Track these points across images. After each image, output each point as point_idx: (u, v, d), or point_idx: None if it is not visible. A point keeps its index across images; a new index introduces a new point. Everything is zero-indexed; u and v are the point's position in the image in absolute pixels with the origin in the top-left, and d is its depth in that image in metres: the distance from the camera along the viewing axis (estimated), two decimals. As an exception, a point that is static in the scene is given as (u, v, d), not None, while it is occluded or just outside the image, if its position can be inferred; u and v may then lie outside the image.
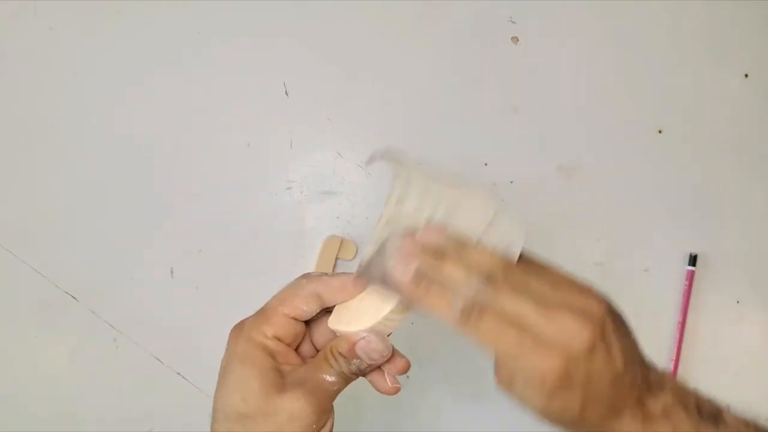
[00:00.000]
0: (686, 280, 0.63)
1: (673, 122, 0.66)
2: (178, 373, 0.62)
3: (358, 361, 0.37)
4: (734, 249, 0.65)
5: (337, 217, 0.64)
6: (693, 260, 0.63)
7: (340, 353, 0.38)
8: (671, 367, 0.63)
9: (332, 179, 0.64)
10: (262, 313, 0.40)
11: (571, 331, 0.32)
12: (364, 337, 0.37)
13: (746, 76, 0.66)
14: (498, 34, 0.66)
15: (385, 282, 0.36)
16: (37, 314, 0.62)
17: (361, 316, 0.38)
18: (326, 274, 0.40)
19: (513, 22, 0.66)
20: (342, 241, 0.63)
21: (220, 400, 0.40)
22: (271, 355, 0.38)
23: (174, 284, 0.63)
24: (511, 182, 0.65)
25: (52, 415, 0.62)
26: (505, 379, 0.34)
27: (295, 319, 0.39)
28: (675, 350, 0.63)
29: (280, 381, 0.37)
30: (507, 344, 0.33)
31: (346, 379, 0.38)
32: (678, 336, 0.63)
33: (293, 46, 0.65)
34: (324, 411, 0.37)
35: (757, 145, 0.66)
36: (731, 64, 0.67)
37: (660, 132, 0.66)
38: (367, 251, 0.38)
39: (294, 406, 0.37)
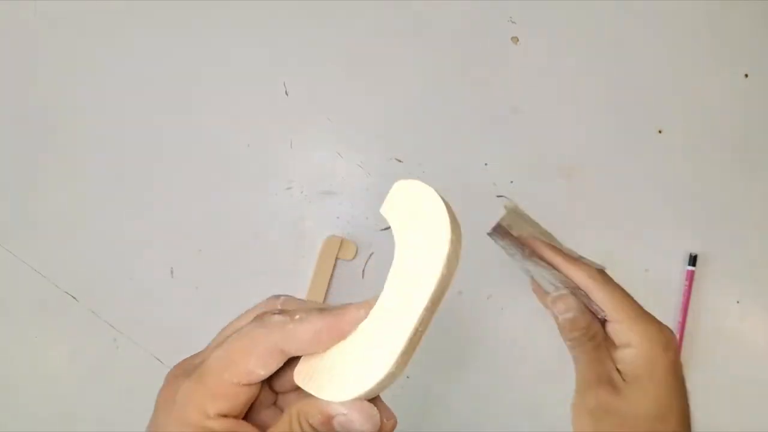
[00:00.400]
0: (686, 280, 0.63)
1: (673, 122, 0.66)
2: (178, 373, 0.62)
3: None
4: (734, 249, 0.65)
5: (337, 217, 0.64)
6: (693, 260, 0.64)
7: (311, 425, 0.28)
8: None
9: (332, 179, 0.64)
10: (201, 381, 0.29)
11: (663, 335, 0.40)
12: (345, 414, 0.28)
13: (746, 76, 0.66)
14: (498, 34, 0.66)
15: (519, 243, 0.42)
16: (37, 314, 0.62)
17: (341, 379, 0.28)
18: (295, 311, 0.30)
19: (513, 22, 0.66)
20: (342, 241, 0.63)
21: None
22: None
23: (174, 284, 0.63)
24: (511, 182, 0.65)
25: (51, 414, 0.62)
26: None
27: (247, 385, 0.29)
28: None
29: None
30: (636, 306, 0.41)
31: None
32: (678, 336, 0.63)
33: (293, 45, 0.65)
34: None
35: (758, 145, 0.66)
36: (731, 64, 0.67)
37: (660, 132, 0.66)
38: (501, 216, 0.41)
39: None
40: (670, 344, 0.39)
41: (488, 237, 0.42)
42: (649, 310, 0.42)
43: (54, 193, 0.63)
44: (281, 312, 0.30)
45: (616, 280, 0.42)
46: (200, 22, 0.65)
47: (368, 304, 0.29)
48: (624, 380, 0.39)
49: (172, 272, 0.63)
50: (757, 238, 0.65)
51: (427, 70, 0.66)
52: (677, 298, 0.64)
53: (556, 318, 0.42)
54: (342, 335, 0.29)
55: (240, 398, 0.29)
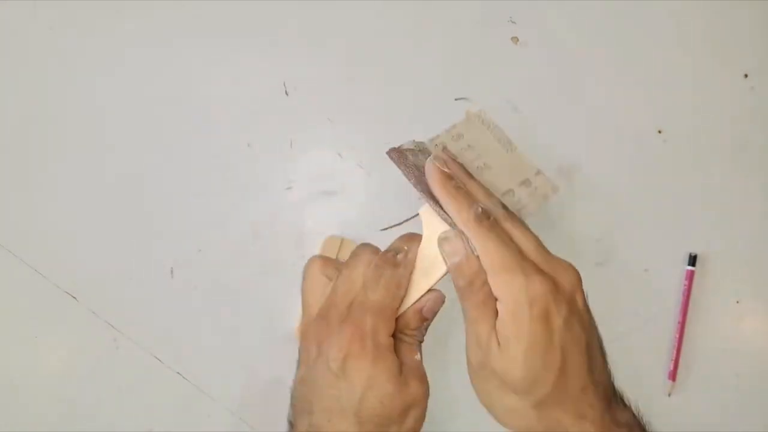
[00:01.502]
0: (686, 280, 0.63)
1: (672, 122, 0.66)
2: (178, 373, 0.62)
3: (427, 321, 0.41)
4: (734, 249, 0.65)
5: (337, 218, 0.64)
6: (693, 260, 0.64)
7: (413, 330, 0.40)
8: (671, 367, 0.63)
9: (332, 179, 0.64)
10: (383, 315, 0.39)
11: (564, 271, 0.37)
12: (429, 299, 0.40)
13: (746, 76, 0.66)
14: (498, 34, 0.66)
15: (417, 171, 0.40)
16: (37, 314, 0.62)
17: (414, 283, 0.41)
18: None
19: (513, 22, 0.66)
20: (342, 241, 0.63)
21: (360, 403, 0.37)
22: (393, 352, 0.39)
23: (174, 284, 0.63)
24: (511, 182, 0.65)
25: (51, 414, 0.62)
26: (489, 292, 0.38)
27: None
28: (675, 350, 0.63)
29: (402, 377, 0.38)
30: (509, 256, 0.36)
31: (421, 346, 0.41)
32: (678, 336, 0.63)
33: (294, 45, 0.65)
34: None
35: (757, 144, 0.66)
36: (731, 63, 0.67)
37: (660, 132, 0.66)
38: (406, 143, 0.43)
39: (417, 394, 0.38)
40: (537, 299, 0.35)
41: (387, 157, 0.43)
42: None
43: (54, 192, 0.63)
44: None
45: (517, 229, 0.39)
46: (202, 21, 0.65)
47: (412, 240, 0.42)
48: (498, 343, 0.36)
49: (171, 272, 0.63)
50: (756, 238, 0.65)
51: (427, 71, 0.66)
52: (677, 298, 0.64)
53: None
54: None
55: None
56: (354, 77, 0.65)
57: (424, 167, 0.41)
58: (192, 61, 0.65)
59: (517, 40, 0.66)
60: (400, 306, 0.40)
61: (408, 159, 0.42)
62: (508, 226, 0.38)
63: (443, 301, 0.41)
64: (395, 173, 0.64)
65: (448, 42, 0.66)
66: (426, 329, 0.42)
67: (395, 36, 0.66)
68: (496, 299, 0.37)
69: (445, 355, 0.60)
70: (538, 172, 0.45)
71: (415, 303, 0.40)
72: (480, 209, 0.38)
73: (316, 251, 0.63)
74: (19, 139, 0.64)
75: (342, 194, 0.64)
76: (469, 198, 0.39)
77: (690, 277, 0.63)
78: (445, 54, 0.66)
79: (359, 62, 0.65)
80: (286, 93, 0.65)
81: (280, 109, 0.64)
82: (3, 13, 0.64)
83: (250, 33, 0.65)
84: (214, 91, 0.65)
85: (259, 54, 0.65)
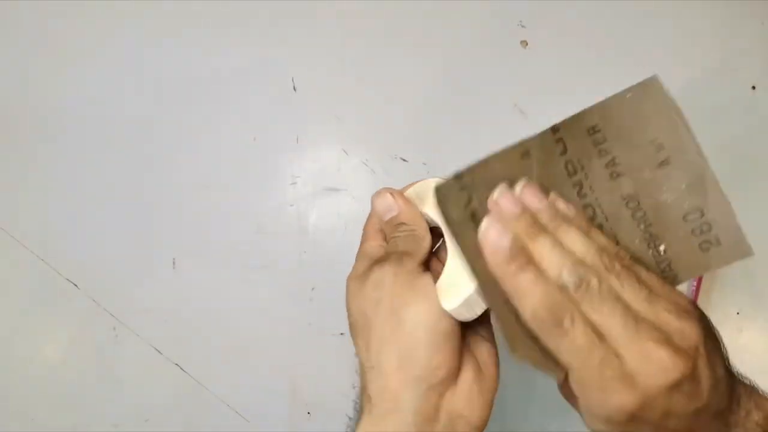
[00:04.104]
0: (694, 281, 0.63)
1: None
2: (177, 365, 0.62)
3: None
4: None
5: (341, 215, 0.64)
6: None
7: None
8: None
9: (337, 176, 0.64)
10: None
11: (657, 364, 0.28)
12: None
13: (753, 88, 0.66)
14: (507, 38, 0.66)
15: (467, 234, 0.30)
16: (37, 299, 0.62)
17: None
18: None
19: (522, 26, 0.66)
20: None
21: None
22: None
23: (175, 275, 0.63)
24: (516, 185, 0.65)
25: (49, 402, 0.62)
26: (571, 392, 0.30)
27: None
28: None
29: None
30: (589, 364, 0.28)
31: None
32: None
33: (304, 42, 0.65)
34: None
35: (764, 156, 0.66)
36: (739, 75, 0.67)
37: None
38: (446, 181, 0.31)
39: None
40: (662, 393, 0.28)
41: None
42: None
43: (58, 180, 0.64)
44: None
45: None
46: (210, 14, 0.65)
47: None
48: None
49: (174, 263, 0.63)
50: (758, 249, 0.65)
51: (435, 72, 0.66)
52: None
53: None
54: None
55: None
56: (362, 76, 0.65)
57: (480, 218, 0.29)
58: (201, 54, 0.65)
59: (526, 43, 0.66)
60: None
61: (449, 209, 0.30)
62: (593, 306, 0.28)
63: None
64: (400, 172, 0.64)
65: (457, 44, 0.66)
66: None
67: (404, 36, 0.66)
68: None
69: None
70: (722, 202, 0.29)
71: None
72: (554, 298, 0.28)
73: (318, 248, 0.63)
74: (23, 126, 0.64)
75: (346, 191, 0.64)
76: (540, 279, 0.29)
77: (698, 279, 0.63)
78: (454, 56, 0.66)
79: (368, 61, 0.65)
80: (294, 88, 0.65)
81: (287, 105, 0.65)
82: (2, 11, 0.65)
83: (259, 27, 0.65)
84: (222, 84, 0.65)
85: (268, 49, 0.65)
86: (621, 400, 0.28)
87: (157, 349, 0.62)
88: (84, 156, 0.64)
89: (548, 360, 0.29)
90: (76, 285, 0.62)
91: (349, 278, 0.40)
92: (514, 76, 0.66)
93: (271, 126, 0.65)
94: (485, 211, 0.30)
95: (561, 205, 0.31)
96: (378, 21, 0.66)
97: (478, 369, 0.36)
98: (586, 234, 0.30)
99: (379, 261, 0.39)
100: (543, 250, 0.29)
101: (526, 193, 0.31)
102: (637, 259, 0.31)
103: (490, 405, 0.36)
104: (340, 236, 0.63)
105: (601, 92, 0.66)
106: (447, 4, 0.66)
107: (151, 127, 0.64)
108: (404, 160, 0.64)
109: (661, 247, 0.31)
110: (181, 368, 0.62)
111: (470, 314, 0.33)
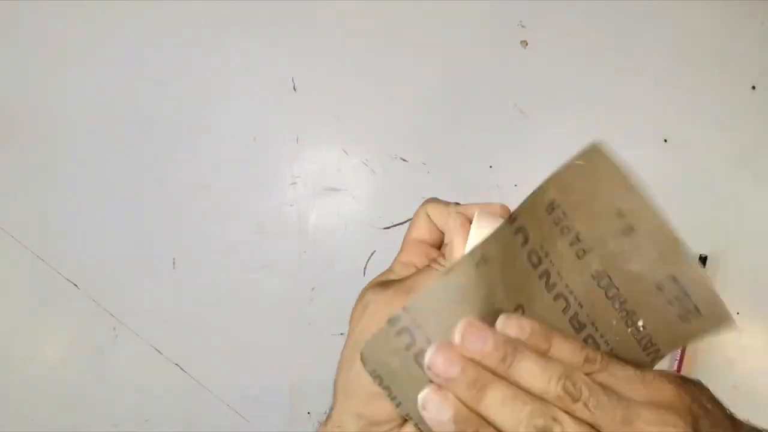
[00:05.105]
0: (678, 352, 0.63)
1: (679, 132, 0.66)
2: (176, 364, 0.62)
3: None
4: (735, 261, 0.65)
5: (341, 215, 0.64)
6: (703, 261, 0.63)
7: None
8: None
9: (337, 176, 0.64)
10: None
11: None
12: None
13: (753, 88, 0.66)
14: (507, 38, 0.66)
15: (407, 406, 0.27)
16: (38, 299, 0.62)
17: None
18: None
19: (522, 26, 0.66)
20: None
21: None
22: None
23: (175, 275, 0.63)
24: (516, 186, 0.65)
25: (49, 402, 0.62)
26: None
27: None
28: (677, 364, 0.63)
29: None
30: None
31: None
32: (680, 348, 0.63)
33: (304, 43, 0.65)
34: None
35: (763, 156, 0.66)
36: (739, 75, 0.66)
37: (666, 141, 0.66)
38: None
39: None
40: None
41: None
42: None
43: (59, 181, 0.64)
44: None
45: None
46: (211, 15, 0.65)
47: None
48: None
49: (173, 263, 0.63)
50: (759, 250, 0.65)
51: (435, 72, 0.66)
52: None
53: None
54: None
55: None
56: (362, 76, 0.65)
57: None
58: (201, 54, 0.65)
59: (526, 43, 0.66)
60: None
61: (385, 362, 0.27)
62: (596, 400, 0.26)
63: None
64: (400, 172, 0.64)
65: (457, 44, 0.66)
66: None
67: (404, 36, 0.66)
68: None
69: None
70: (695, 270, 0.27)
71: None
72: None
73: (318, 248, 0.63)
74: (23, 126, 0.64)
75: (346, 191, 0.64)
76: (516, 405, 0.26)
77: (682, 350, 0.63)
78: (454, 56, 0.66)
79: (368, 61, 0.65)
80: (295, 89, 0.65)
81: (287, 105, 0.65)
82: (4, 7, 0.65)
83: (259, 27, 0.65)
84: (222, 84, 0.65)
85: (269, 49, 0.65)
86: None
87: (157, 349, 0.62)
88: (84, 156, 0.64)
89: None
90: (76, 285, 0.62)
91: (370, 282, 0.38)
92: (514, 76, 0.66)
93: (271, 126, 0.65)
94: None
95: (512, 328, 0.28)
96: (378, 21, 0.66)
97: None
98: (545, 355, 0.27)
99: (383, 284, 0.35)
100: (493, 409, 0.26)
101: (467, 337, 0.27)
102: (610, 355, 0.29)
103: None
104: (340, 236, 0.63)
105: (601, 92, 0.66)
106: (447, 4, 0.66)
107: (151, 127, 0.64)
108: (404, 160, 0.64)
109: (639, 323, 0.28)
110: (181, 368, 0.62)
111: None
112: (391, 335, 0.27)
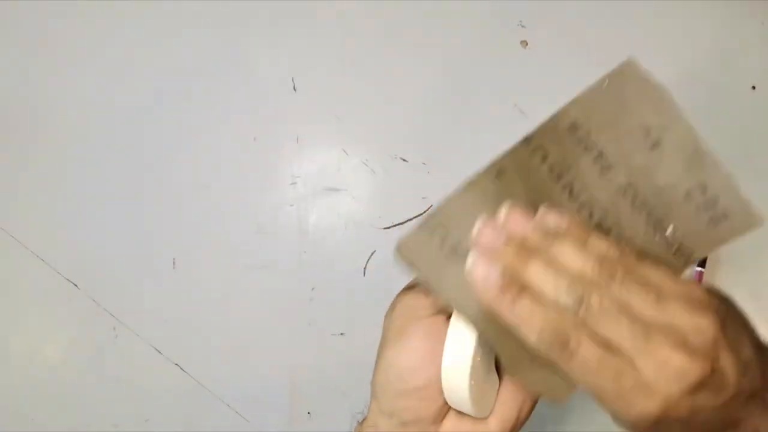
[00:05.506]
0: (696, 276, 0.63)
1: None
2: (177, 365, 0.62)
3: None
4: (735, 260, 0.65)
5: (341, 215, 0.64)
6: (702, 262, 0.63)
7: None
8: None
9: (337, 176, 0.64)
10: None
11: (674, 370, 0.27)
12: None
13: (753, 88, 0.66)
14: (507, 38, 0.66)
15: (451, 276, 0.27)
16: (37, 299, 0.62)
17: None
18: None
19: (522, 26, 0.66)
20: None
21: None
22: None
23: (175, 275, 0.63)
24: (516, 185, 0.65)
25: (49, 402, 0.62)
26: (599, 401, 0.29)
27: None
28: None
29: None
30: (604, 380, 0.27)
31: None
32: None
33: (303, 41, 0.65)
34: None
35: (763, 156, 0.66)
36: (739, 75, 0.66)
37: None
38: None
39: None
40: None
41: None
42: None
43: (58, 179, 0.64)
44: None
45: None
46: (210, 14, 0.65)
47: None
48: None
49: (173, 263, 0.63)
50: (758, 249, 0.65)
51: (435, 72, 0.66)
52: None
53: None
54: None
55: None
56: (362, 76, 0.65)
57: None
58: (201, 54, 0.65)
59: (527, 43, 0.66)
60: None
61: (420, 260, 0.27)
62: (597, 323, 0.27)
63: None
64: (400, 172, 0.64)
65: (457, 44, 0.66)
66: None
67: (404, 36, 0.66)
68: None
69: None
70: (722, 176, 0.27)
71: None
72: (554, 324, 0.27)
73: (318, 248, 0.63)
74: (23, 126, 0.64)
75: (346, 191, 0.64)
76: (537, 307, 0.28)
77: (699, 278, 0.63)
78: (454, 56, 0.66)
79: (368, 61, 0.65)
80: (294, 88, 0.65)
81: (287, 105, 0.65)
82: (4, 7, 0.65)
83: (259, 27, 0.65)
84: (222, 84, 0.65)
85: (268, 48, 0.65)
86: (643, 408, 0.27)
87: (157, 349, 0.62)
88: (84, 156, 0.64)
89: (556, 378, 0.29)
90: (76, 285, 0.62)
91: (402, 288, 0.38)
92: (514, 76, 0.66)
93: (271, 126, 0.65)
94: (468, 244, 0.28)
95: (551, 219, 0.30)
96: (378, 21, 0.66)
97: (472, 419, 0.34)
98: (584, 244, 0.29)
99: (409, 286, 0.37)
100: (536, 275, 0.28)
101: (510, 219, 0.29)
102: (643, 254, 0.29)
103: None
104: (340, 236, 0.63)
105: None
106: (447, 4, 0.66)
107: (151, 127, 0.64)
108: (404, 160, 0.64)
109: (669, 229, 0.29)
110: (181, 368, 0.62)
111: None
112: (424, 231, 0.28)
